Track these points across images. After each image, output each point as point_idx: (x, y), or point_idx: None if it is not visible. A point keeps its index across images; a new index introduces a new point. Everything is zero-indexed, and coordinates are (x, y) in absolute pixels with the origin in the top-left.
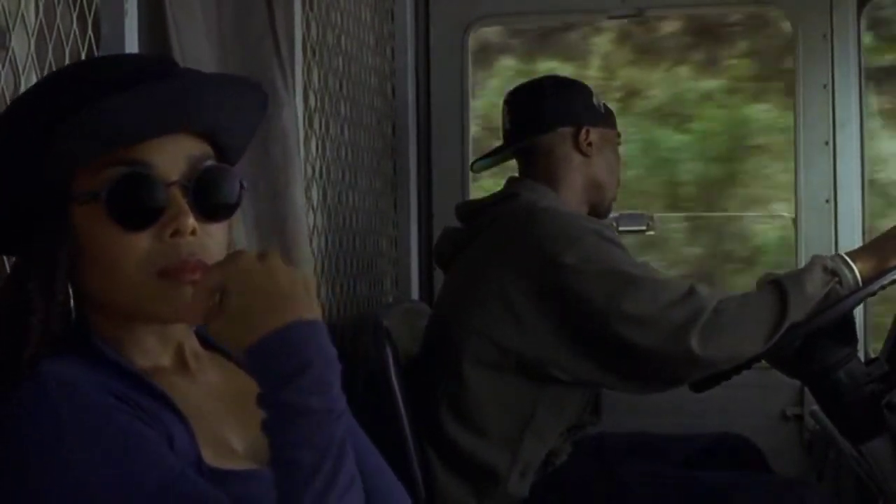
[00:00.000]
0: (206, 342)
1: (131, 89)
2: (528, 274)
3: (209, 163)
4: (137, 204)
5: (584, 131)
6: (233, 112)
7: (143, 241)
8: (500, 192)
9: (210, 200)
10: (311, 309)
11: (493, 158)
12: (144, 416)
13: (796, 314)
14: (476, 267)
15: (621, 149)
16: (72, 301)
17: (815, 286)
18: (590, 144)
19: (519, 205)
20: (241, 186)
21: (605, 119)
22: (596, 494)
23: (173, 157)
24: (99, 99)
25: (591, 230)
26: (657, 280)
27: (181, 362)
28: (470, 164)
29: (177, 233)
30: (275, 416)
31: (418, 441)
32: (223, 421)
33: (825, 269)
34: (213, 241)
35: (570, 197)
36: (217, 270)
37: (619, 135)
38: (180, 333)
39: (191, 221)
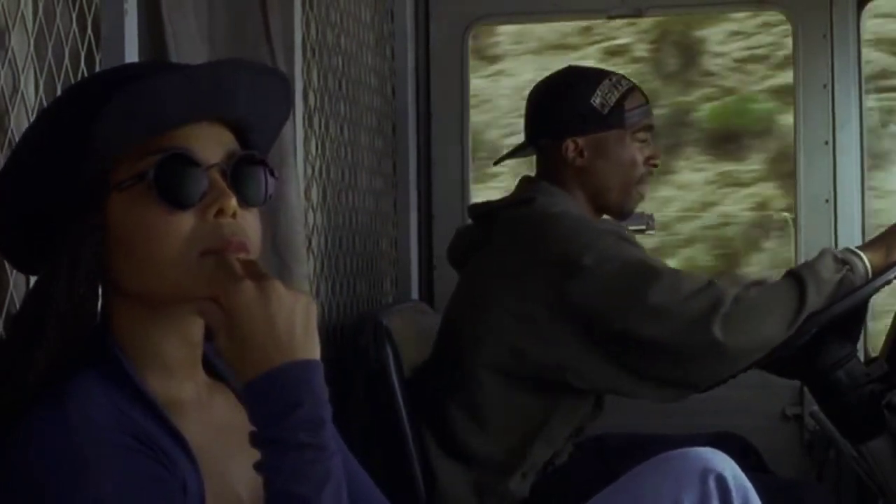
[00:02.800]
0: (209, 372)
1: (167, 73)
2: (546, 280)
3: (244, 153)
4: (183, 182)
5: (566, 144)
6: (262, 98)
7: (187, 221)
8: (514, 195)
9: (247, 187)
10: (307, 347)
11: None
12: (164, 458)
13: (815, 299)
14: (491, 272)
15: None
16: (99, 302)
17: (830, 271)
18: (581, 155)
19: (534, 210)
20: (274, 176)
21: (604, 121)
22: (596, 494)
23: (210, 144)
24: (137, 83)
25: (606, 231)
26: (677, 272)
27: (195, 389)
28: (493, 162)
29: (220, 212)
30: (267, 454)
31: (418, 441)
32: (230, 459)
33: (836, 258)
34: (251, 227)
35: (579, 202)
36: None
37: (639, 129)
38: (199, 344)
39: (233, 202)
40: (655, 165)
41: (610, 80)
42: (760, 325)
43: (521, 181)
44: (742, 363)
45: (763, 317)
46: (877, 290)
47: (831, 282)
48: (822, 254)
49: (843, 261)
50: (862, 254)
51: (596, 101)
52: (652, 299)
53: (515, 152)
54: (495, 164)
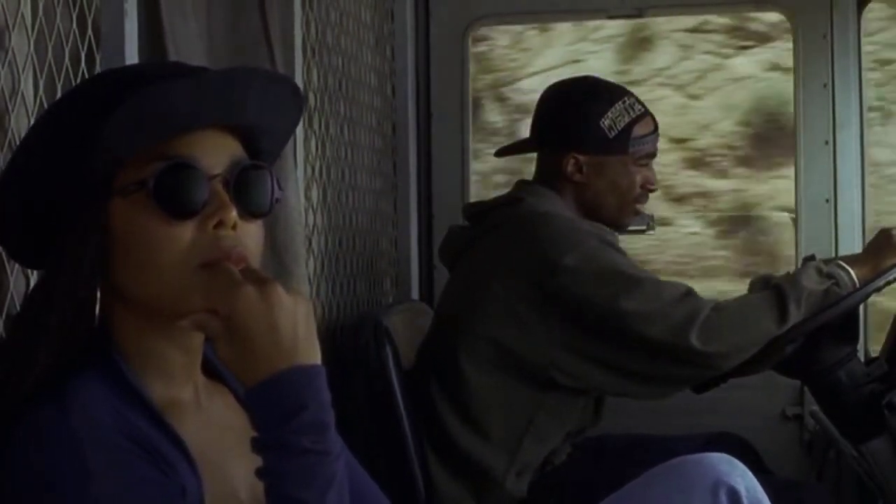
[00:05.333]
0: (208, 372)
1: (178, 78)
2: (529, 278)
3: (249, 162)
4: (183, 193)
5: (568, 158)
6: (272, 107)
7: (186, 232)
8: (505, 196)
9: (250, 198)
10: (310, 352)
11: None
12: (163, 464)
13: (794, 309)
14: (479, 270)
15: None
16: (97, 305)
17: (811, 282)
18: (580, 171)
19: (521, 210)
20: (279, 188)
21: (609, 145)
22: (595, 494)
23: (215, 153)
24: (145, 88)
25: (591, 234)
26: (657, 281)
27: (195, 392)
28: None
29: (220, 224)
30: (269, 459)
31: (418, 440)
32: (230, 461)
33: (819, 271)
34: (252, 239)
35: (569, 206)
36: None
37: (645, 155)
38: (198, 350)
39: (234, 214)
40: (652, 190)
41: (623, 102)
42: (738, 334)
43: (515, 184)
44: (722, 368)
45: (741, 325)
46: (865, 298)
47: (813, 291)
48: (805, 266)
49: (829, 275)
50: (848, 267)
51: (605, 122)
52: (632, 304)
53: (518, 148)
54: (496, 155)
